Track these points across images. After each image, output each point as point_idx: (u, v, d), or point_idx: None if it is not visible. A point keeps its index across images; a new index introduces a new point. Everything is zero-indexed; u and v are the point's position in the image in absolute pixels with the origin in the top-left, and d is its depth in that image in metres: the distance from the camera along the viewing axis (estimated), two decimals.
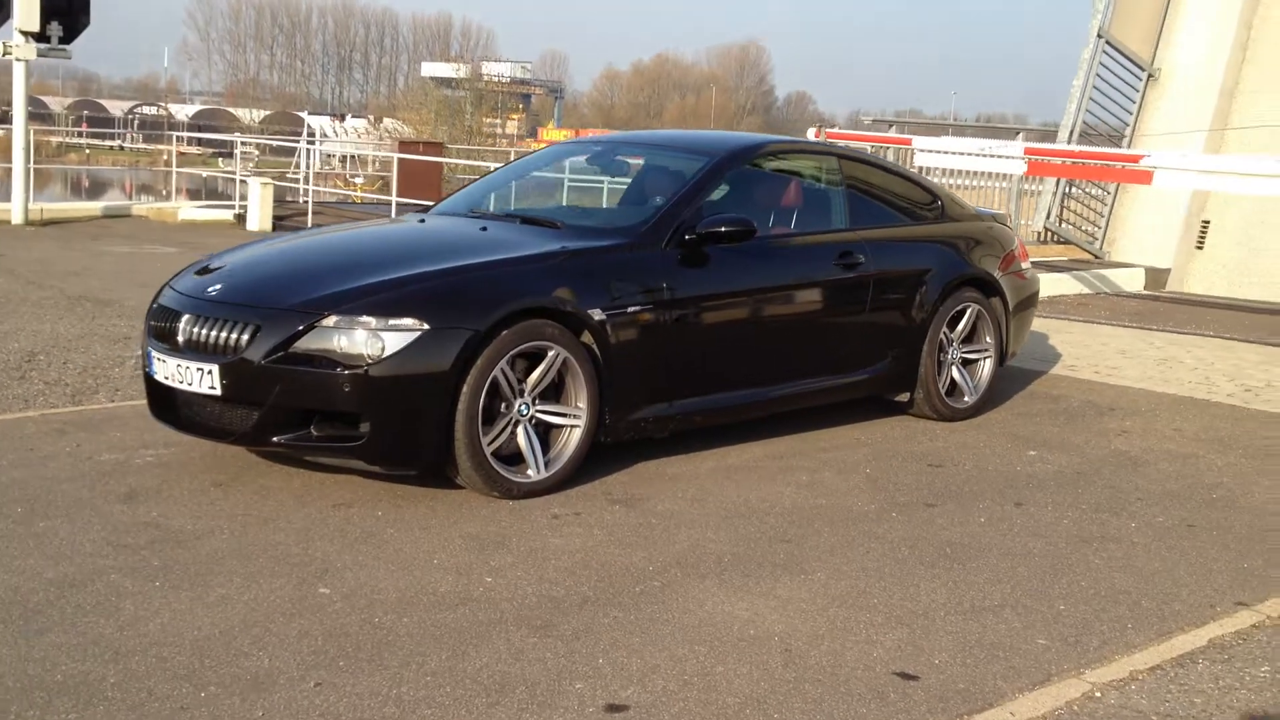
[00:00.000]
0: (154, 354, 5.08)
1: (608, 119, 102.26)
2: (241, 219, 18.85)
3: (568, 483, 5.14)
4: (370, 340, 4.69)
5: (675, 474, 5.48)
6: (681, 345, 5.47)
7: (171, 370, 4.95)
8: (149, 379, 5.25)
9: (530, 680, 3.35)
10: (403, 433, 4.76)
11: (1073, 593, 4.18)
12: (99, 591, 3.86)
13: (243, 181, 19.75)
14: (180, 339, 4.95)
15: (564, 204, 6.75)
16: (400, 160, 22.84)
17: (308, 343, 4.73)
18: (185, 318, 4.97)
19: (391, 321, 4.73)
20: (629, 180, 6.45)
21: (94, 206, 20.04)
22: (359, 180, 24.91)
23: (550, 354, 5.01)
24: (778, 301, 5.92)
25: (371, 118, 57.42)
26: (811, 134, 12.72)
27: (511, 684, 3.33)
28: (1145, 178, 9.82)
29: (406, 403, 4.72)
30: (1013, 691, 3.39)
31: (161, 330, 5.11)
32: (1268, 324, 10.97)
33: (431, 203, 22.64)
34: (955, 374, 6.74)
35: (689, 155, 6.20)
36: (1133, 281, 13.54)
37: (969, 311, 6.76)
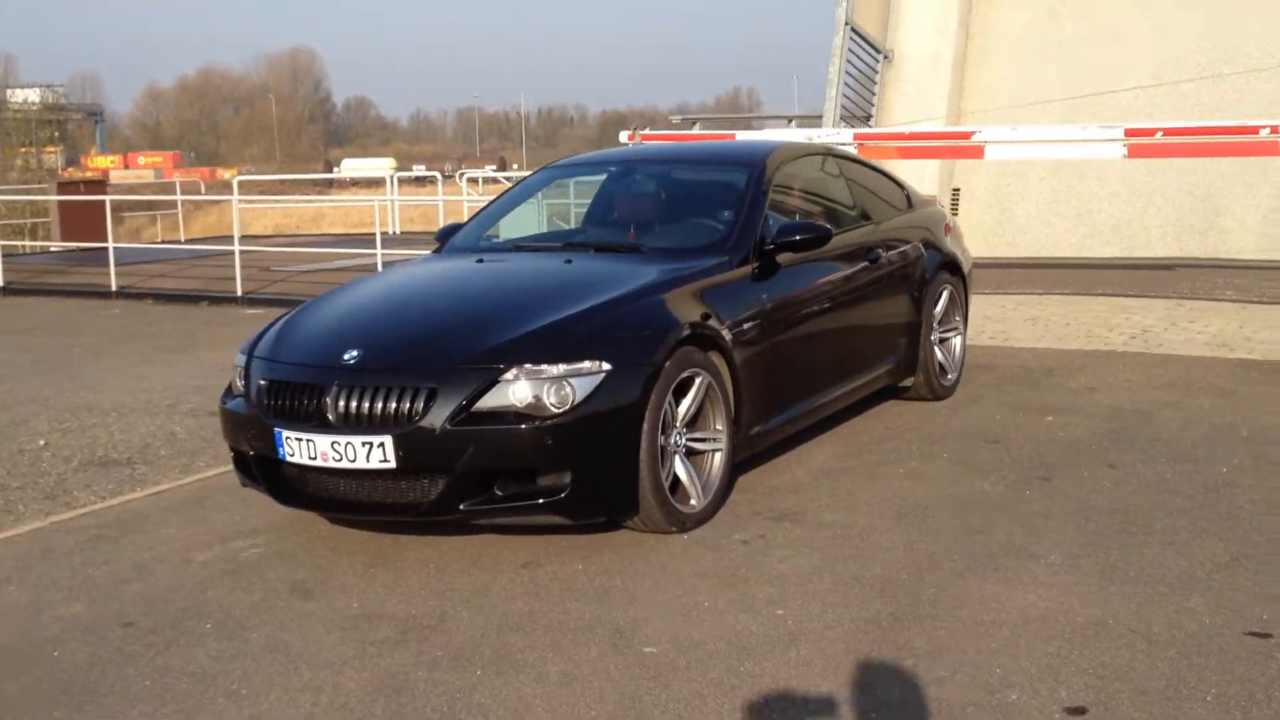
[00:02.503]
0: (285, 435, 4.67)
1: (155, 140, 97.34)
2: None
3: (714, 507, 5.13)
4: (558, 388, 4.53)
5: (779, 485, 5.56)
6: (779, 356, 5.55)
7: (324, 449, 4.57)
8: (268, 463, 4.83)
9: (978, 698, 3.41)
10: (603, 480, 4.63)
11: None
12: (434, 694, 3.58)
13: None
14: (331, 415, 4.58)
15: (574, 227, 6.62)
16: (62, 204, 21.28)
17: (491, 399, 4.51)
18: (333, 390, 4.60)
19: (575, 366, 4.58)
20: (647, 198, 6.40)
21: None
22: None
23: (698, 380, 4.99)
24: (838, 303, 6.08)
25: None
26: (624, 138, 12.83)
27: (978, 698, 3.38)
28: (977, 152, 10.65)
29: (604, 448, 4.60)
30: None
31: (293, 409, 4.70)
32: (1063, 277, 12.10)
33: (210, 243, 20.45)
34: (939, 354, 7.14)
35: (723, 167, 6.28)
36: None
37: (945, 292, 7.17)
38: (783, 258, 5.68)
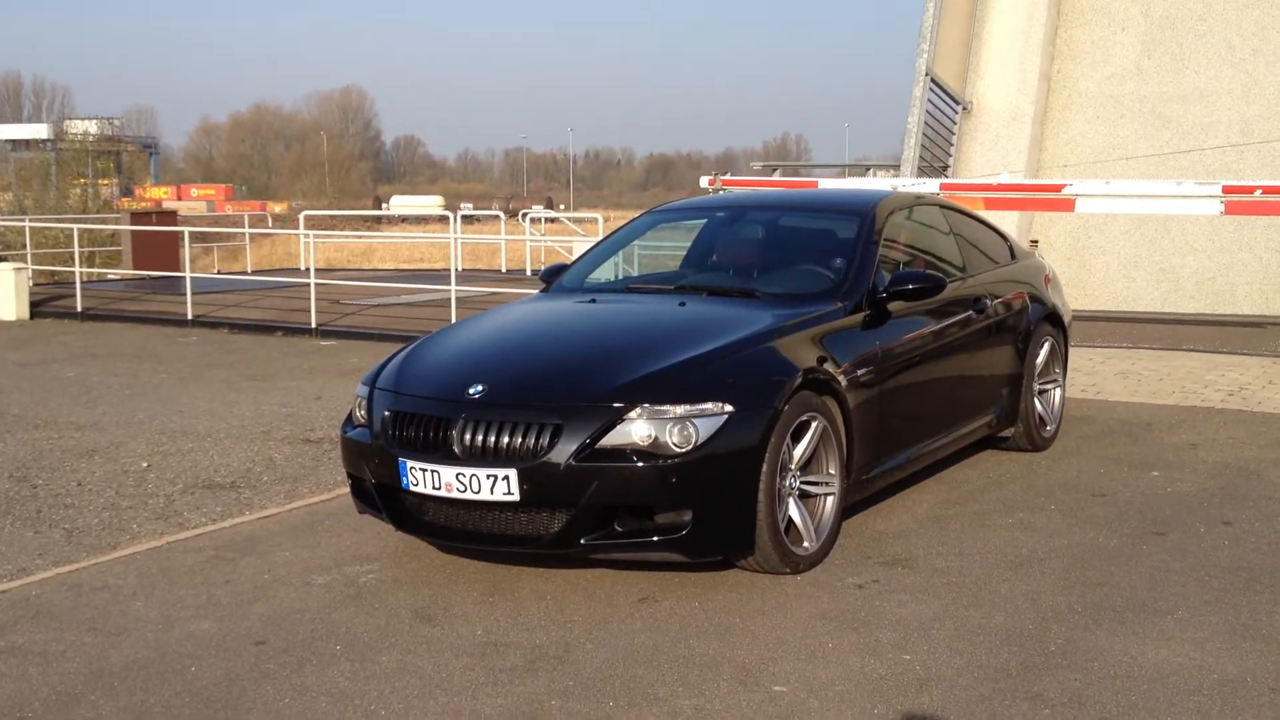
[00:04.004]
0: (410, 465, 4.74)
1: (208, 173, 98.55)
2: None
3: (825, 550, 5.13)
4: (681, 428, 4.57)
5: (886, 531, 5.55)
6: (889, 403, 5.55)
7: (449, 480, 4.63)
8: (389, 490, 4.89)
9: None
10: (724, 519, 4.65)
11: None
12: None
13: None
14: (457, 447, 4.65)
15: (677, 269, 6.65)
16: (135, 233, 21.65)
17: (615, 437, 4.55)
18: (459, 424, 4.66)
19: (698, 407, 4.62)
20: (753, 243, 6.44)
21: None
22: None
23: (814, 425, 5.00)
24: (945, 352, 6.08)
25: None
26: (705, 183, 12.91)
27: None
28: (1068, 205, 10.63)
29: (724, 489, 4.62)
30: None
31: (418, 440, 4.77)
32: (1149, 332, 11.99)
33: (262, 274, 20.51)
34: (1038, 405, 7.10)
35: (834, 215, 6.30)
36: None
37: (1047, 344, 7.14)
38: (894, 306, 5.69)
